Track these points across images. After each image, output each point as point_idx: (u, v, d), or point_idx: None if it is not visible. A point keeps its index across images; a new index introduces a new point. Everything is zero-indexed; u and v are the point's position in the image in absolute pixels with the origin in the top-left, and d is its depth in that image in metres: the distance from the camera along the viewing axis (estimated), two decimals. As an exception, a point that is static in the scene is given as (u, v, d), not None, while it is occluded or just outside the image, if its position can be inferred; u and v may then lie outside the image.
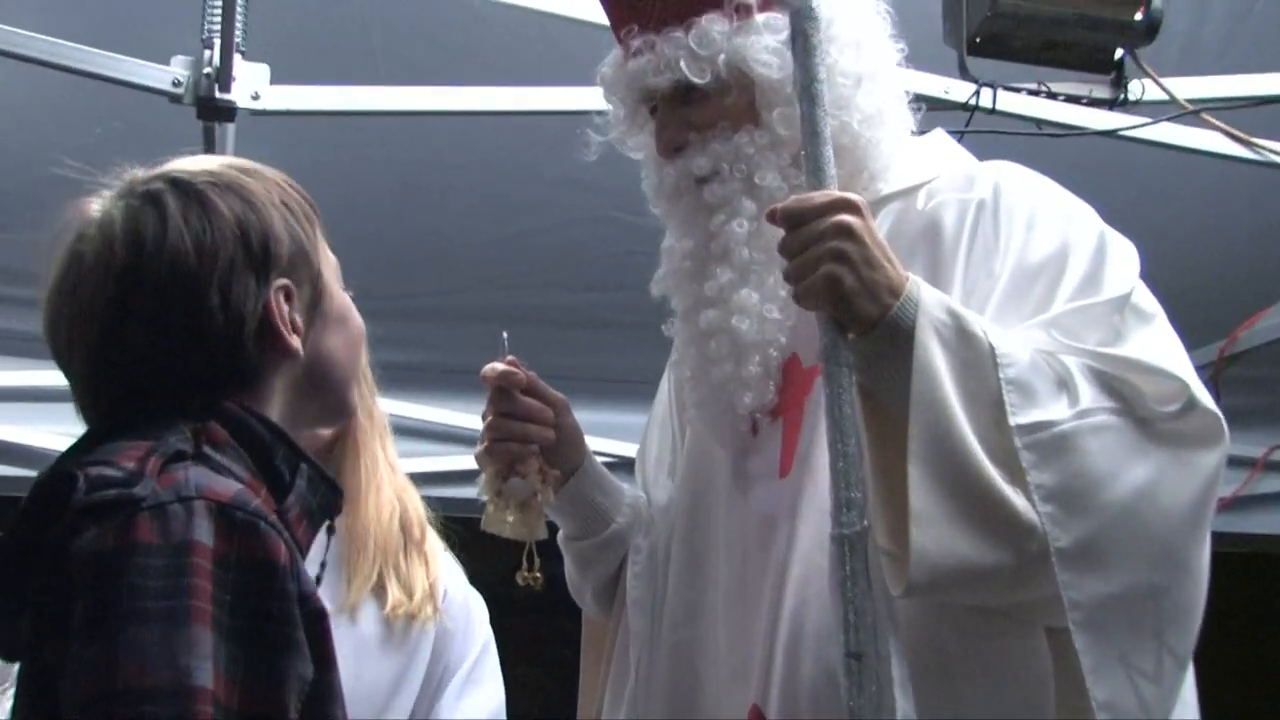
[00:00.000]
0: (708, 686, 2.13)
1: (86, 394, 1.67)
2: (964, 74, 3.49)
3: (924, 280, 1.92)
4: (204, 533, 1.44)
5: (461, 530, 2.61)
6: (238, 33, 3.18)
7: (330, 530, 1.78)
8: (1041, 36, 3.48)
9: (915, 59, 3.57)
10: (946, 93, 3.52)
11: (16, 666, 1.55)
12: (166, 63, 3.22)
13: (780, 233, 1.93)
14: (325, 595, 2.51)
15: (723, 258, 2.08)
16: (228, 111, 3.21)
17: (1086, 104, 3.61)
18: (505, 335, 2.22)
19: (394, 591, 2.56)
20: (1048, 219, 2.02)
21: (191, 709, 1.38)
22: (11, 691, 1.54)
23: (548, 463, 2.20)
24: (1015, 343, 1.86)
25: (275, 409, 1.68)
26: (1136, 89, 3.59)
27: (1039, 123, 3.59)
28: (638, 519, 2.31)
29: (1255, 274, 4.34)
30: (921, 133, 2.24)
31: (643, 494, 2.36)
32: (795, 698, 1.97)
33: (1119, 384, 1.87)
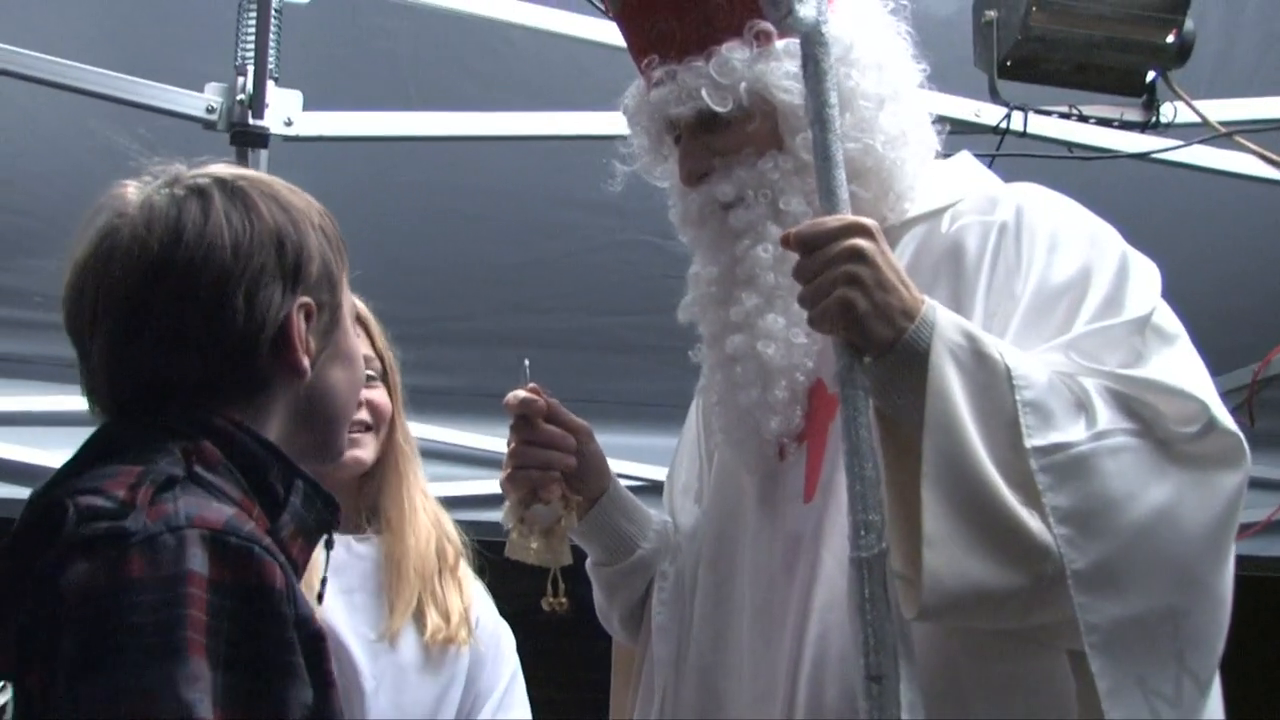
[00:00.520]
0: (735, 711, 2.12)
1: (98, 381, 1.65)
2: (995, 97, 3.49)
3: (947, 303, 1.91)
4: (197, 562, 1.42)
5: (492, 554, 2.62)
6: (271, 59, 3.21)
7: (329, 545, 1.77)
8: (1072, 59, 3.47)
9: (946, 82, 3.59)
10: (977, 116, 3.52)
11: None
12: (200, 89, 3.25)
13: None
14: (365, 623, 2.55)
15: (748, 283, 2.08)
16: (261, 138, 3.24)
17: (1118, 127, 3.60)
18: (526, 363, 2.23)
19: (433, 617, 2.57)
20: (1070, 240, 2.01)
21: None
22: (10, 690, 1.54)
23: (571, 489, 2.20)
24: (1032, 365, 1.85)
25: (272, 429, 1.66)
26: (1168, 111, 3.58)
27: (1070, 146, 3.58)
28: (664, 544, 2.31)
29: (1290, 297, 4.32)
30: (948, 154, 2.24)
31: (670, 519, 2.35)
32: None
33: (1138, 405, 1.86)
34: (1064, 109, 3.59)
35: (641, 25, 2.13)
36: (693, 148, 2.12)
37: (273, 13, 3.19)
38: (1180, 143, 3.61)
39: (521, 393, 2.18)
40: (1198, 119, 3.57)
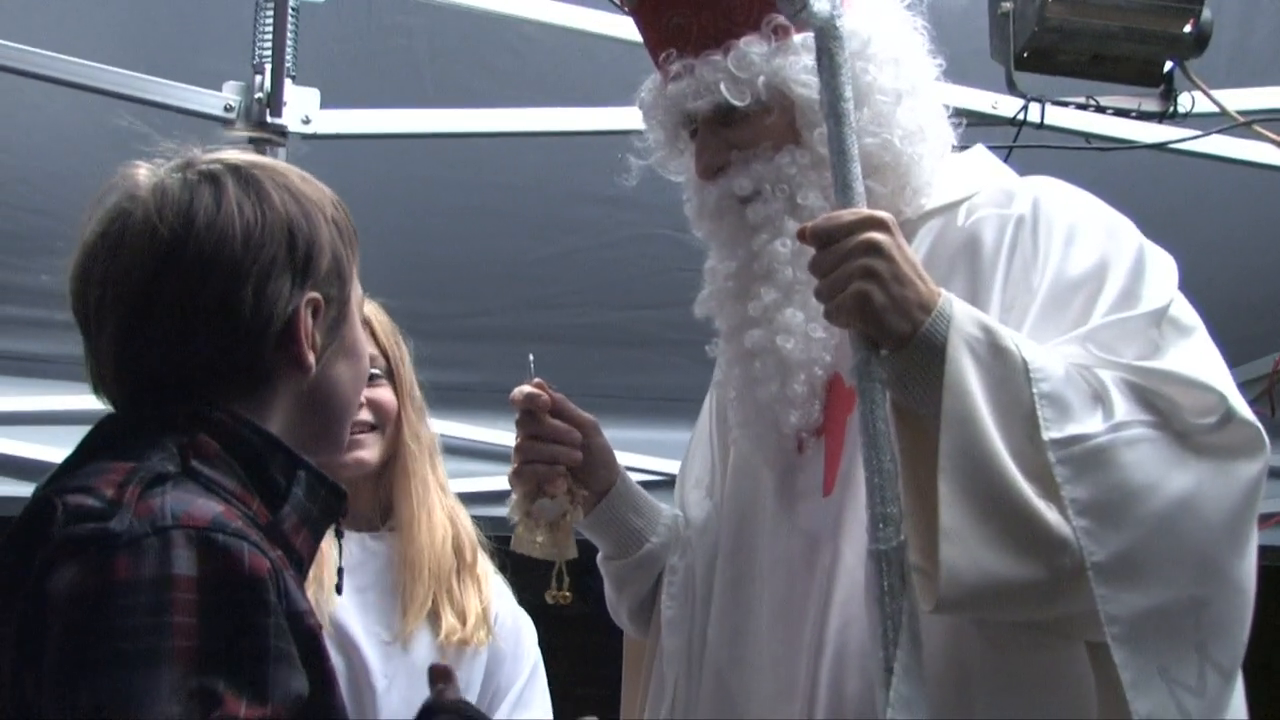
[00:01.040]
0: (753, 705, 2.12)
1: (105, 368, 1.64)
2: (1012, 89, 3.48)
3: (963, 295, 1.92)
4: (182, 563, 1.41)
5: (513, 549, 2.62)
6: (288, 58, 3.22)
7: (339, 534, 1.77)
8: (1089, 50, 3.46)
9: (963, 74, 3.58)
10: (994, 107, 3.51)
11: None
12: (219, 88, 3.26)
13: None
14: (379, 622, 2.55)
15: (766, 277, 2.09)
16: (279, 136, 3.25)
17: (1135, 117, 3.60)
18: (531, 358, 2.23)
19: (448, 618, 2.56)
20: (1087, 234, 2.01)
21: None
22: None
23: (578, 483, 2.20)
24: (1049, 357, 1.85)
25: (274, 422, 1.65)
26: (1186, 101, 3.57)
27: (1088, 136, 3.58)
28: (674, 538, 2.31)
29: (1310, 286, 4.31)
30: (964, 148, 2.24)
31: (680, 513, 2.36)
32: (840, 716, 1.96)
33: (1155, 397, 1.86)
34: (1081, 100, 3.59)
35: (659, 19, 2.13)
36: (709, 141, 2.12)
37: (290, 11, 3.20)
38: (1198, 132, 3.60)
39: (526, 388, 2.18)
40: (1215, 108, 3.56)
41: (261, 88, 3.22)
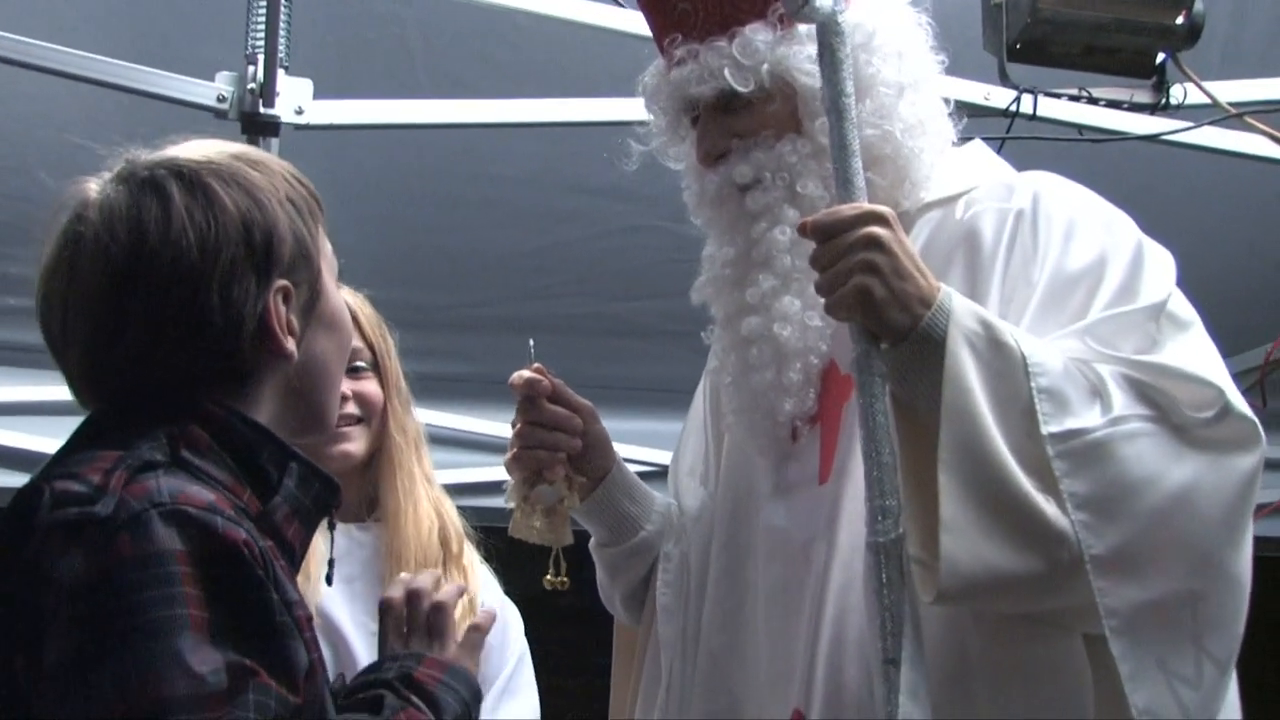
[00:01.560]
0: (748, 692, 2.13)
1: (80, 384, 1.64)
2: (1004, 80, 3.48)
3: (962, 288, 1.93)
4: (180, 539, 1.43)
5: (501, 541, 2.62)
6: (281, 48, 3.21)
7: (331, 526, 1.77)
8: (1082, 42, 3.46)
9: (955, 66, 3.56)
10: (987, 99, 3.51)
11: None
12: (211, 79, 3.26)
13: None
14: (365, 612, 2.55)
15: (765, 265, 2.09)
16: (272, 126, 3.24)
17: (1128, 109, 3.60)
18: (532, 343, 2.23)
19: None
20: (1086, 228, 2.02)
21: (213, 714, 1.38)
22: None
23: (575, 470, 2.21)
24: (1048, 352, 1.86)
25: (263, 412, 1.65)
26: (1178, 93, 3.57)
27: (1080, 128, 3.58)
28: (668, 526, 2.32)
29: (1302, 277, 4.32)
30: (963, 141, 2.24)
31: (674, 501, 2.36)
32: (838, 703, 1.97)
33: (1153, 391, 1.87)
34: (1074, 91, 3.59)
35: (664, 4, 2.14)
36: (711, 128, 2.13)
37: (283, 1, 3.20)
38: (1191, 124, 3.61)
39: (527, 373, 2.19)
40: (1208, 100, 3.56)
41: (254, 78, 3.22)
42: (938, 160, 2.14)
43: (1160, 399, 1.87)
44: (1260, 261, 4.37)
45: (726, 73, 2.07)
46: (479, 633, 1.83)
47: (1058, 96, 3.56)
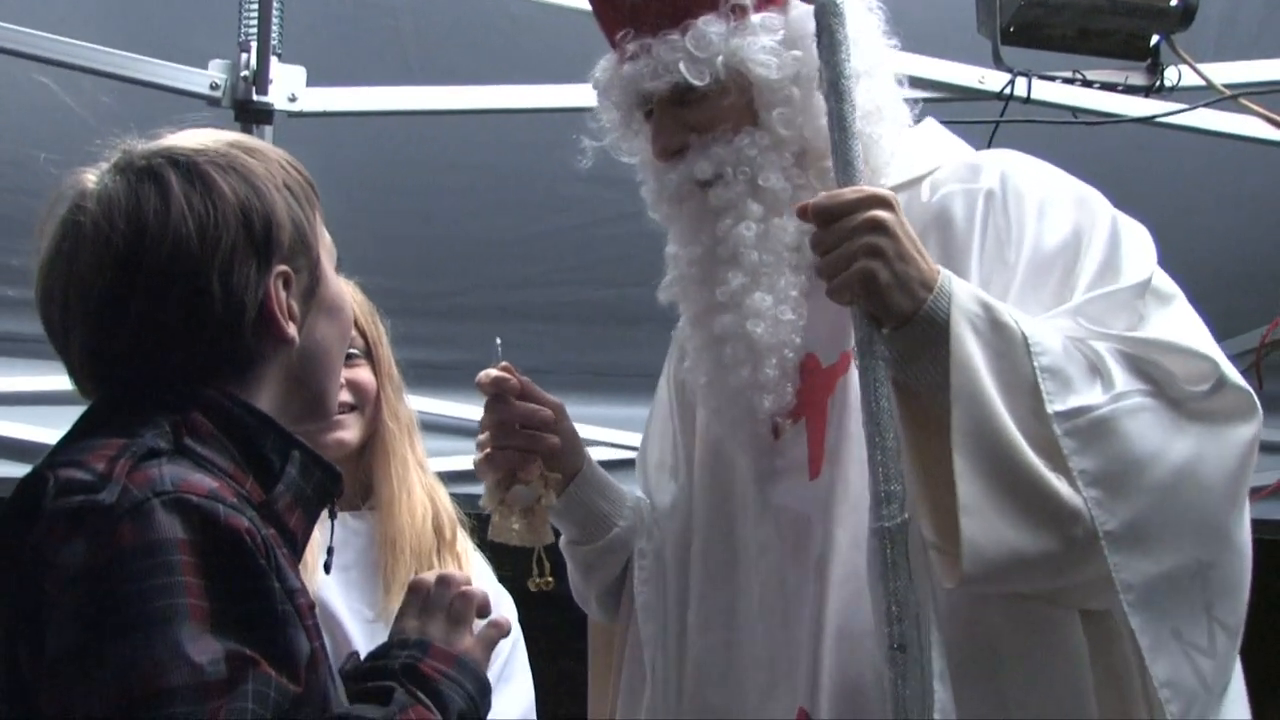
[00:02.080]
0: (744, 693, 2.11)
1: (82, 375, 1.64)
2: (998, 63, 3.48)
3: None
4: (182, 528, 1.43)
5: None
6: (274, 36, 3.21)
7: (332, 515, 1.77)
8: (1076, 24, 3.46)
9: (949, 49, 3.58)
10: (981, 82, 3.51)
11: None
12: (204, 67, 3.25)
13: (796, 229, 1.97)
14: (361, 600, 2.55)
15: (732, 261, 2.07)
16: (265, 114, 3.24)
17: (1122, 91, 3.59)
18: (499, 341, 2.20)
19: None
20: (1058, 205, 2.02)
21: (213, 703, 1.38)
22: None
23: (548, 466, 2.18)
24: (1047, 331, 1.87)
25: (265, 399, 1.65)
26: (1173, 75, 3.56)
27: (1074, 111, 3.58)
28: (641, 522, 2.30)
29: (1296, 258, 4.32)
30: (947, 122, 2.23)
31: (644, 496, 2.34)
32: (848, 700, 1.96)
33: (1149, 366, 1.88)
34: (1068, 74, 3.58)
35: None
36: (667, 123, 2.10)
37: (276, -11, 3.19)
38: (1185, 106, 3.60)
39: (494, 371, 2.15)
40: (1203, 82, 3.56)
41: (247, 66, 3.22)
42: (896, 144, 2.12)
43: (1156, 373, 1.88)
44: (1255, 243, 4.37)
45: (681, 66, 2.04)
46: (496, 630, 1.82)
47: (1052, 79, 3.56)
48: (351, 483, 2.64)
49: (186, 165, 1.62)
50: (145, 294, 1.57)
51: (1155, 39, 3.54)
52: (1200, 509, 1.86)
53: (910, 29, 3.71)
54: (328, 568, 1.94)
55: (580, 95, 3.43)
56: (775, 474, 2.14)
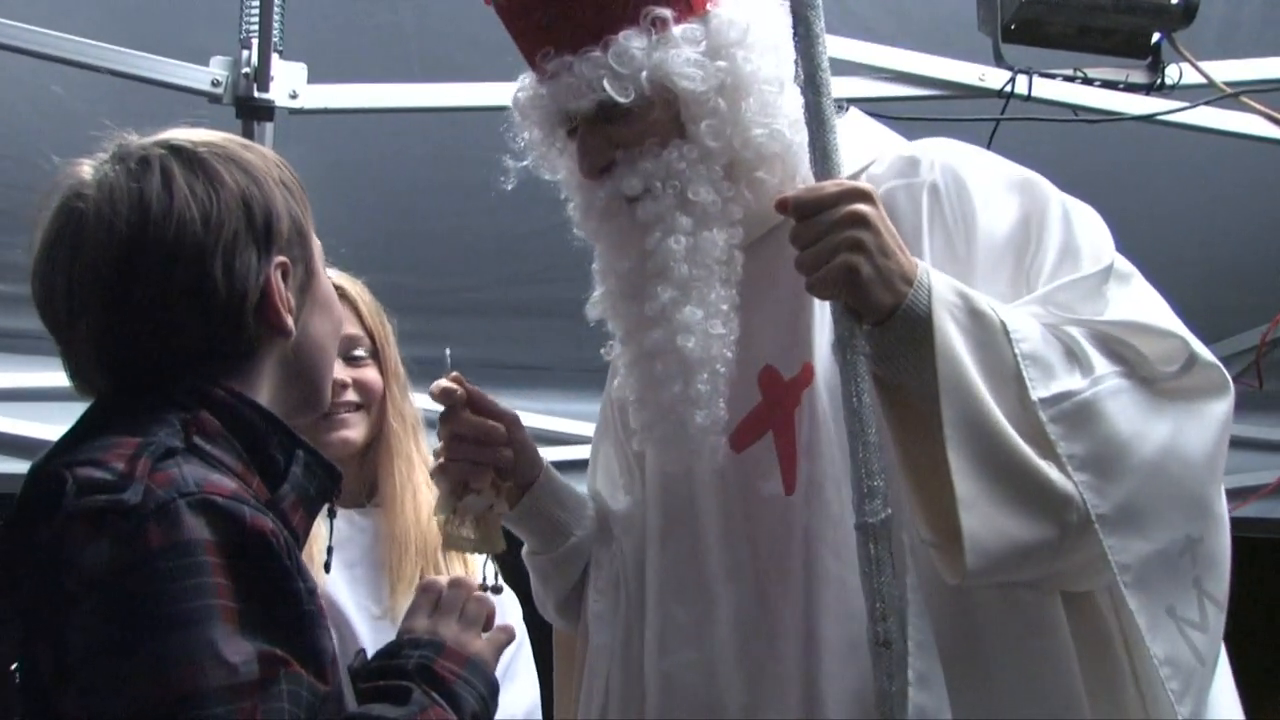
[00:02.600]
0: (726, 709, 2.07)
1: (85, 365, 1.64)
2: (999, 61, 3.48)
3: None
4: (208, 529, 1.44)
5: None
6: (275, 32, 3.21)
7: (331, 514, 1.77)
8: (1077, 22, 3.46)
9: (949, 47, 3.58)
10: (982, 80, 3.51)
11: None
12: (205, 63, 3.25)
13: (725, 242, 1.99)
14: (368, 597, 2.55)
15: (661, 276, 2.03)
16: (266, 111, 3.24)
17: (1123, 89, 3.59)
18: (449, 352, 2.19)
19: None
20: (1002, 192, 2.02)
21: (247, 703, 1.39)
22: None
23: (501, 476, 2.16)
24: (1023, 318, 1.87)
25: (264, 393, 1.66)
26: (1174, 73, 3.56)
27: (1075, 109, 3.57)
28: (600, 532, 2.28)
29: (1298, 257, 4.31)
30: (922, 119, 2.21)
31: (600, 506, 2.32)
32: (852, 708, 1.94)
33: (1122, 348, 1.89)
34: (1069, 72, 3.58)
35: (529, 16, 2.06)
36: (592, 141, 2.06)
37: (276, -15, 3.19)
38: (1186, 104, 3.60)
39: (444, 382, 2.14)
40: (1204, 80, 3.56)
41: (249, 62, 3.22)
42: (837, 144, 2.10)
43: (1129, 354, 1.89)
44: (1256, 242, 4.37)
45: (605, 84, 1.99)
46: (504, 634, 1.82)
47: (1053, 77, 3.55)
48: (357, 480, 2.65)
49: (188, 154, 1.63)
50: (151, 278, 1.58)
51: (1156, 37, 3.54)
52: (1187, 485, 1.87)
53: (911, 27, 3.73)
54: (328, 566, 1.95)
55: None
56: (745, 491, 2.10)
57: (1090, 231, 1.99)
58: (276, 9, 3.19)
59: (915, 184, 2.03)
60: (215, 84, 3.23)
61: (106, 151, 1.66)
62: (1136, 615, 1.81)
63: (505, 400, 2.21)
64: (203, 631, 1.39)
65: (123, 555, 1.42)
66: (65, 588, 1.44)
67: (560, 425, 4.23)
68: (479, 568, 2.64)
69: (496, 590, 2.22)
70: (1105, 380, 1.86)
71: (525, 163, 2.17)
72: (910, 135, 2.19)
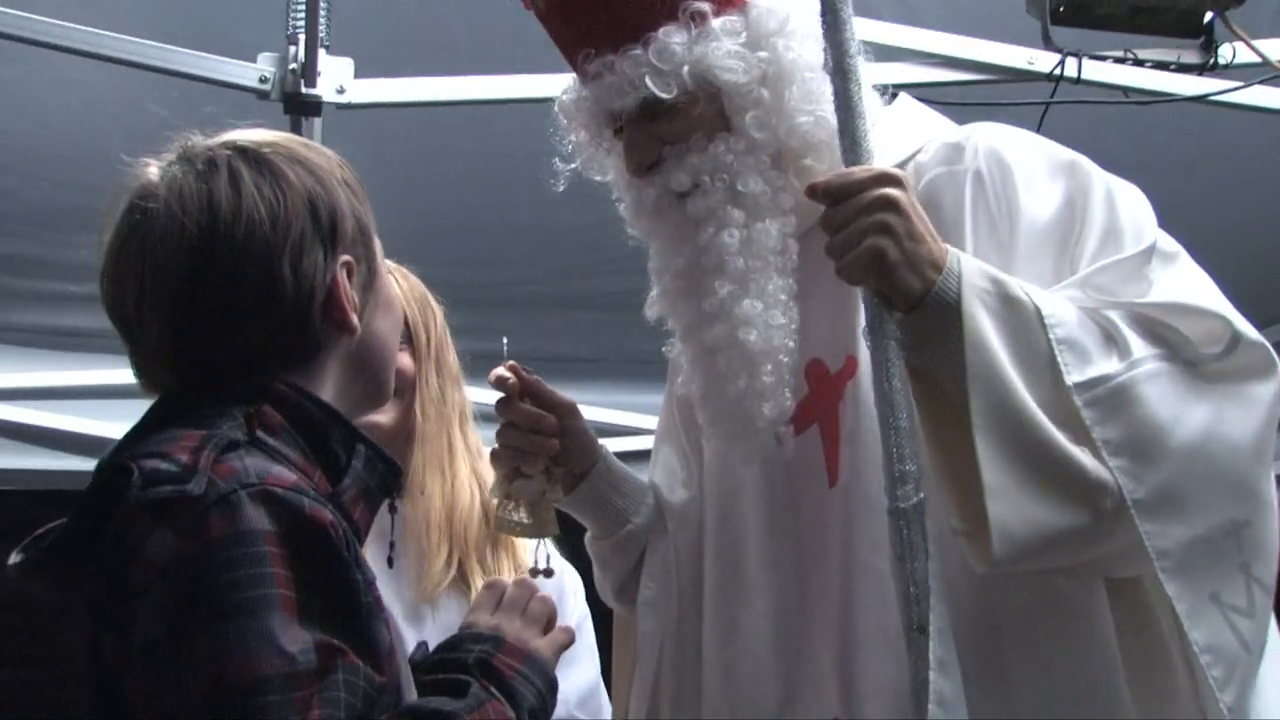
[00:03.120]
0: (761, 698, 2.08)
1: (152, 363, 1.66)
2: (1048, 44, 3.45)
3: None
4: (269, 520, 1.45)
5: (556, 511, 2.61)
6: (321, 28, 3.22)
7: (392, 509, 1.78)
8: (1127, 2, 3.43)
9: (998, 30, 3.55)
10: (1031, 63, 3.48)
11: None
12: (253, 60, 3.27)
13: (779, 232, 1.99)
14: (407, 584, 2.54)
15: (718, 270, 2.03)
16: (314, 106, 3.26)
17: (1175, 70, 3.56)
18: (505, 341, 2.22)
19: (477, 585, 2.54)
20: (1046, 176, 2.00)
21: (305, 692, 1.40)
22: None
23: (555, 464, 2.18)
24: (1058, 302, 1.86)
25: (328, 390, 1.68)
26: (1227, 52, 3.53)
27: (1126, 90, 3.54)
28: (658, 519, 2.29)
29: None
30: (995, 104, 2.20)
31: (659, 496, 2.32)
32: (890, 700, 1.92)
33: (1162, 329, 1.87)
34: (1119, 54, 3.55)
35: (570, 18, 2.08)
36: (639, 138, 2.07)
37: (323, -19, 3.21)
38: (1240, 84, 3.56)
39: (500, 370, 2.16)
40: (1258, 59, 3.52)
41: (295, 58, 3.23)
42: (871, 131, 2.07)
43: (1170, 335, 1.87)
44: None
45: (647, 81, 2.00)
46: (566, 634, 1.83)
47: (1103, 59, 3.53)
48: (397, 468, 2.64)
49: (254, 155, 1.65)
50: (221, 278, 1.60)
51: (1209, 16, 3.50)
52: (1229, 469, 1.85)
53: (958, 11, 3.70)
54: (391, 561, 1.95)
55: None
56: (793, 484, 2.11)
57: (1133, 212, 1.97)
58: (322, 4, 3.21)
59: (959, 171, 2.02)
60: (263, 80, 3.25)
61: (171, 153, 1.68)
62: (1176, 602, 1.80)
63: (560, 391, 2.21)
64: (261, 621, 1.41)
65: (185, 545, 1.44)
66: (130, 578, 1.46)
67: (610, 416, 4.22)
68: (530, 553, 2.65)
69: (549, 574, 2.24)
70: (1143, 364, 1.84)
71: (574, 165, 2.19)
72: (960, 120, 2.18)
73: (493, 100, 3.53)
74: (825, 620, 2.02)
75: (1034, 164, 2.02)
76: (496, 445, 2.18)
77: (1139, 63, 3.55)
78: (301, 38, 3.22)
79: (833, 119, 1.99)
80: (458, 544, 2.56)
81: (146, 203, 1.63)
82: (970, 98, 3.36)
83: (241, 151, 1.66)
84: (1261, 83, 3.57)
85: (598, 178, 2.19)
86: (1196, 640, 1.80)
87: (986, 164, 2.01)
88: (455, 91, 3.50)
